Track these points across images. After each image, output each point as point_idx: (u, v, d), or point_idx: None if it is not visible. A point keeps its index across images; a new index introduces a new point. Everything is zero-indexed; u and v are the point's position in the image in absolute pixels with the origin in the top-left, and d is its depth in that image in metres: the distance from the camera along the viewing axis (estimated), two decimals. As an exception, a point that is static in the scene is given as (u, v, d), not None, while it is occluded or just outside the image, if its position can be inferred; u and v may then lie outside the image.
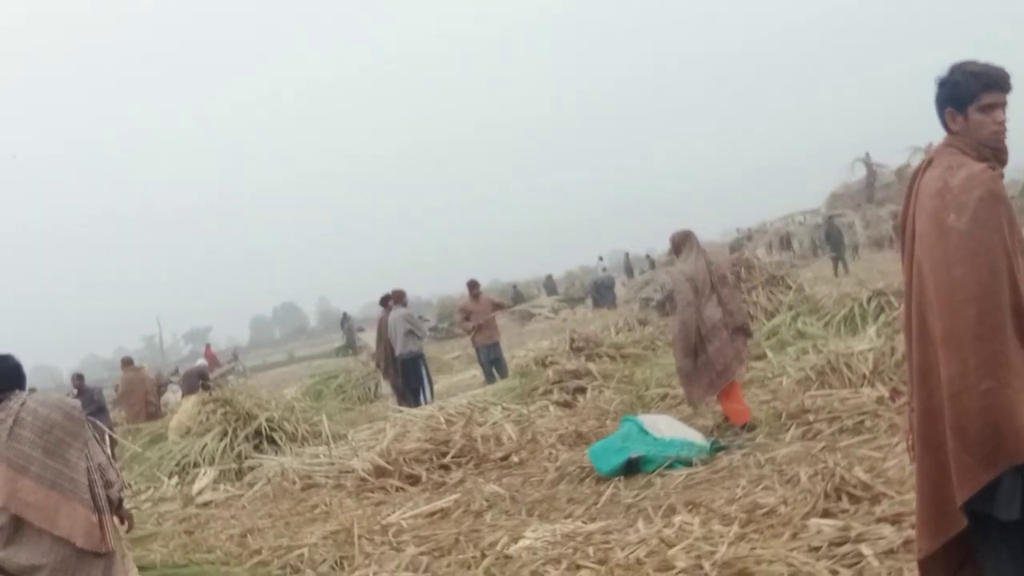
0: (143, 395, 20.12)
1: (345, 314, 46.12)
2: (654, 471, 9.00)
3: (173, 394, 26.99)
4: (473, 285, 17.82)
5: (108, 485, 5.92)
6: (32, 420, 5.76)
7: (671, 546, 6.42)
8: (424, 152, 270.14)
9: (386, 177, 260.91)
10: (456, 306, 30.23)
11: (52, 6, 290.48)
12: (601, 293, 39.90)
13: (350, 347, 42.64)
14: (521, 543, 7.42)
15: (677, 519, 7.04)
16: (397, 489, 10.63)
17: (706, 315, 10.25)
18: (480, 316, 17.40)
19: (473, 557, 7.42)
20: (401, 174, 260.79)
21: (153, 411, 19.95)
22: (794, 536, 6.25)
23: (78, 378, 19.78)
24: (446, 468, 10.92)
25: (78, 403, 6.33)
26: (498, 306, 19.24)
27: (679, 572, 6.00)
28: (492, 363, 17.52)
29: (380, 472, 11.07)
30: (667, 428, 9.84)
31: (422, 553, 7.81)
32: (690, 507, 7.52)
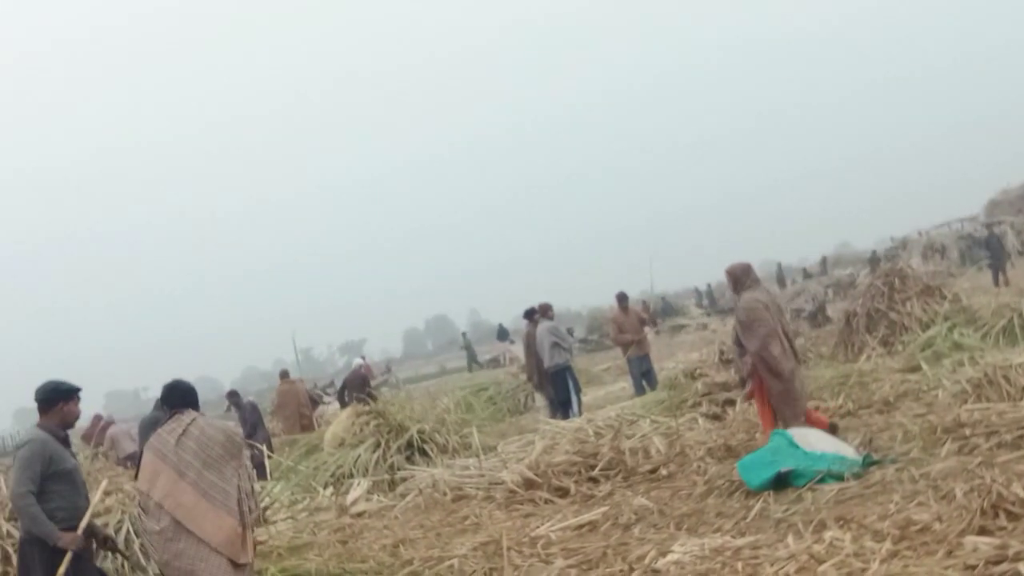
0: (296, 407, 20.64)
1: (464, 334, 46.47)
2: (804, 485, 8.87)
3: (328, 405, 27.63)
4: (622, 298, 17.83)
5: (251, 509, 6.59)
6: (198, 435, 6.52)
7: (821, 562, 6.33)
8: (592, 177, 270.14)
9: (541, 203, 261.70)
10: (605, 318, 30.23)
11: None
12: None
13: (472, 362, 43.12)
14: (669, 557, 7.40)
15: (828, 535, 6.93)
16: (546, 501, 10.69)
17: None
18: (630, 328, 17.39)
19: (621, 570, 7.43)
20: (565, 199, 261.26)
21: (306, 423, 20.45)
22: (949, 554, 6.09)
23: (232, 395, 20.40)
24: (594, 481, 10.94)
25: (240, 431, 6.97)
26: (645, 321, 19.22)
27: (829, 589, 5.93)
28: (643, 375, 17.49)
29: (529, 484, 11.16)
30: (818, 442, 9.70)
31: (570, 566, 7.86)
32: (841, 523, 7.40)
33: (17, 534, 11.21)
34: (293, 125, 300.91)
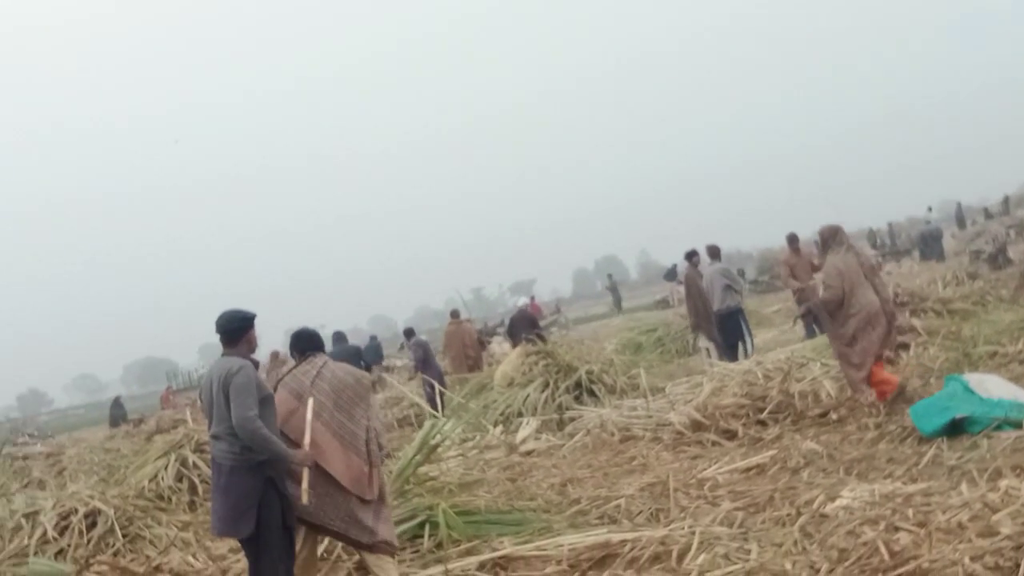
0: (461, 348, 20.93)
1: (610, 276, 46.17)
2: (980, 433, 8.63)
3: (499, 345, 27.95)
4: (793, 239, 17.48)
5: (379, 448, 6.98)
6: (330, 377, 6.99)
7: (996, 511, 6.17)
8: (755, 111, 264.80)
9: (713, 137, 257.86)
10: (776, 259, 29.76)
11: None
12: (928, 245, 38.12)
13: (617, 305, 42.95)
14: (838, 502, 7.34)
15: (1003, 483, 6.74)
16: (713, 444, 10.70)
17: (863, 303, 10.50)
18: (801, 271, 17.07)
19: (788, 515, 7.41)
20: (730, 134, 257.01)
21: (471, 364, 20.73)
22: None
23: (409, 333, 20.89)
24: (763, 424, 10.88)
25: (367, 374, 7.34)
26: (816, 267, 18.75)
27: (1003, 538, 5.78)
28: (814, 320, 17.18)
29: (697, 426, 11.17)
30: (996, 388, 9.42)
31: (737, 508, 7.87)
32: (1017, 471, 7.21)
33: (204, 466, 11.86)
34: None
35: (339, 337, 17.68)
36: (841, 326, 10.61)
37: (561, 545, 7.36)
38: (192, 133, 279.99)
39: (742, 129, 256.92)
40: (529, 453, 12.31)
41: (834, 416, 10.64)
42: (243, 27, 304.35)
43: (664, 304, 40.39)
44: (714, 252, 17.18)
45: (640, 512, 8.33)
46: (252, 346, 6.94)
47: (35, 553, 10.07)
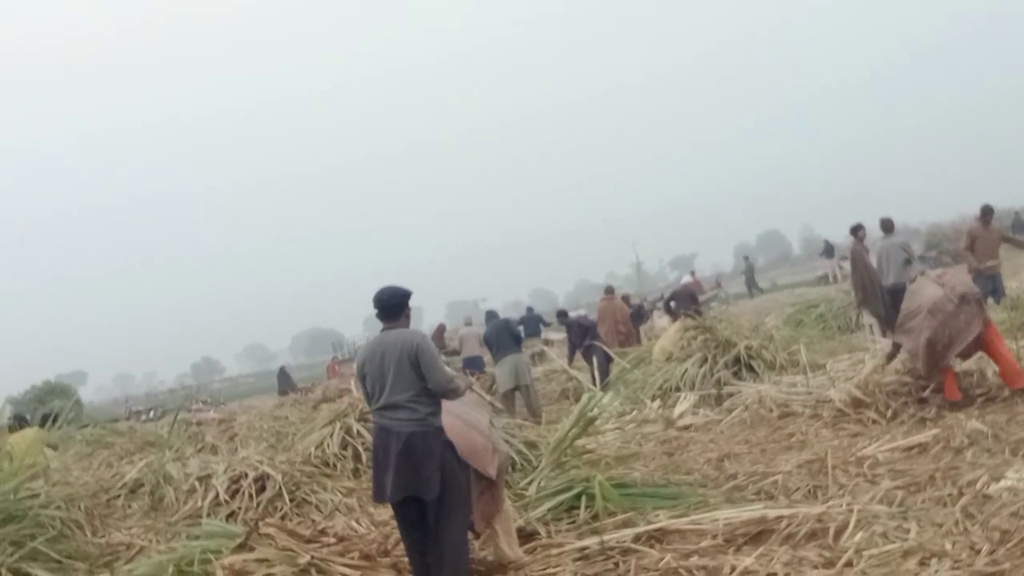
0: (613, 323, 20.95)
1: (746, 258, 45.14)
2: None
3: (658, 319, 27.92)
4: (987, 211, 16.76)
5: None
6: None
7: None
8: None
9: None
10: (959, 231, 28.85)
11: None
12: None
13: (752, 287, 42.18)
14: (1002, 483, 7.19)
15: None
16: (873, 422, 10.51)
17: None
18: (984, 246, 16.39)
19: (950, 495, 7.28)
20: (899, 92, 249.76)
21: (623, 339, 20.74)
22: None
23: (561, 315, 21.03)
24: (925, 402, 10.65)
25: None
26: (1008, 239, 17.95)
27: None
28: (990, 293, 16.58)
29: (857, 404, 10.99)
30: None
31: (896, 487, 7.75)
32: None
33: (368, 435, 12.20)
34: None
35: (491, 315, 17.92)
36: None
37: (716, 520, 7.36)
38: (367, 108, 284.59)
39: (916, 83, 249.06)
40: (686, 428, 12.31)
41: (1000, 395, 10.37)
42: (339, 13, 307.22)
43: (825, 280, 39.62)
44: (887, 226, 16.71)
45: (797, 489, 8.28)
46: (410, 320, 7.17)
47: (208, 515, 10.54)
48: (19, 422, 13.29)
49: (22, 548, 9.94)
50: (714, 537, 7.06)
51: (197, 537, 8.54)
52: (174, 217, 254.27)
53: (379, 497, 6.95)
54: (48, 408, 23.62)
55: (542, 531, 7.97)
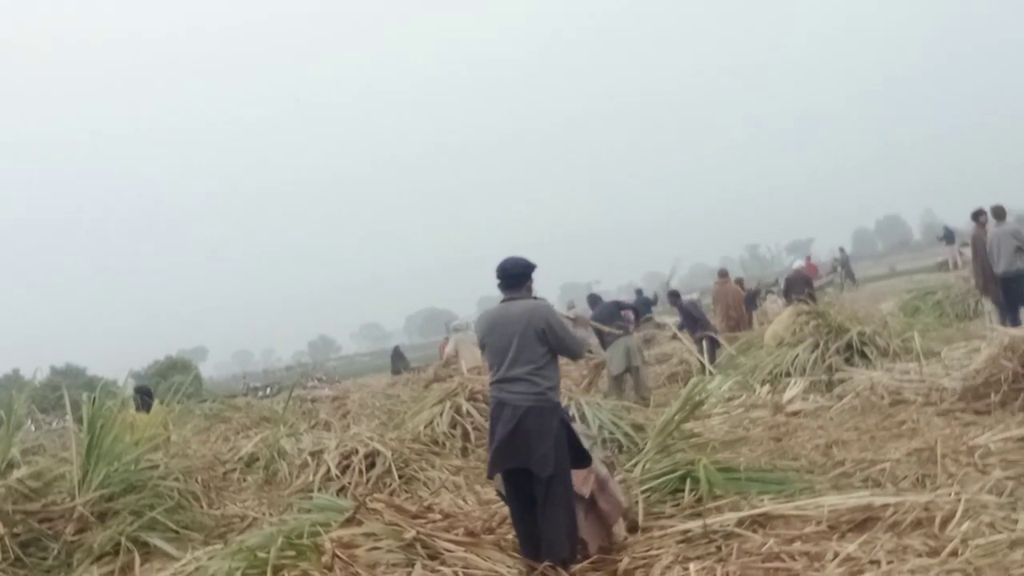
0: (724, 308, 20.82)
1: (841, 249, 44.20)
2: None
3: (772, 303, 27.63)
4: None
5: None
6: None
7: None
8: None
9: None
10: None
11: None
12: None
13: (847, 279, 41.33)
14: (1117, 475, 7.03)
15: None
16: (987, 411, 10.31)
17: None
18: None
19: (1062, 486, 7.14)
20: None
21: (734, 323, 20.60)
22: None
23: (673, 295, 20.94)
24: (1043, 392, 10.40)
25: None
26: None
27: None
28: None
29: (971, 392, 10.79)
30: None
31: (1008, 478, 7.61)
32: None
33: (477, 414, 12.35)
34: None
35: (594, 298, 17.93)
36: None
37: (822, 506, 7.30)
38: (474, 93, 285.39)
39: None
40: (795, 413, 12.21)
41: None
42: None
43: (944, 267, 38.73)
44: (999, 213, 16.40)
45: (905, 477, 8.18)
46: (531, 292, 7.24)
47: (319, 489, 10.79)
48: (144, 395, 13.71)
49: (141, 518, 10.29)
50: (818, 523, 7.01)
51: (308, 510, 8.75)
52: (293, 204, 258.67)
53: (493, 471, 7.06)
54: (169, 382, 24.31)
55: (647, 512, 8.01)
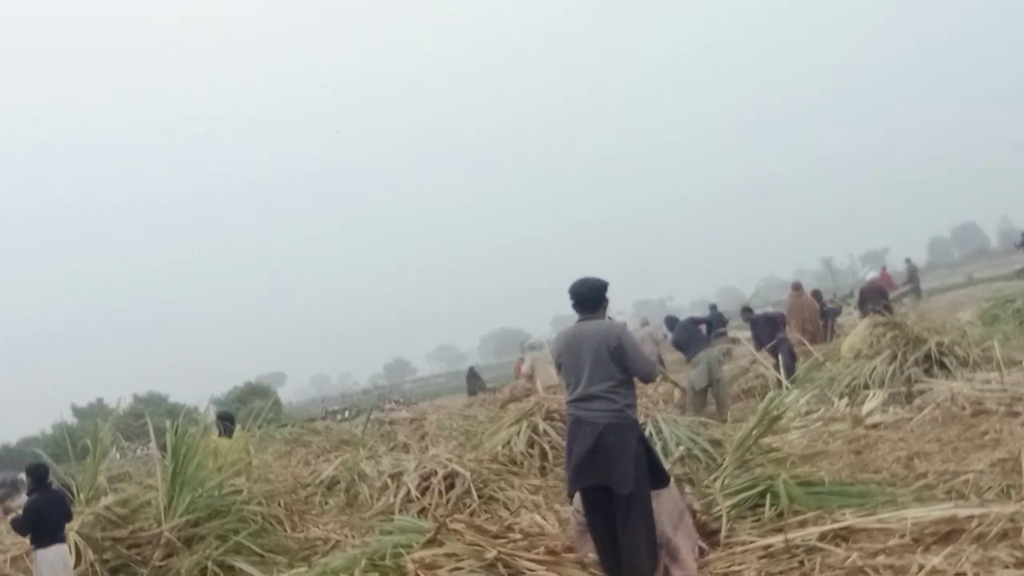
0: (800, 320, 20.69)
1: (908, 260, 43.33)
2: None
3: (847, 316, 27.34)
4: None
5: None
6: None
7: None
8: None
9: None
10: None
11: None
12: None
13: (915, 293, 40.58)
14: None
15: None
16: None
17: None
18: None
19: None
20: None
21: (810, 336, 20.44)
22: None
23: (746, 311, 20.81)
24: None
25: None
26: None
27: None
28: None
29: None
30: None
31: (1095, 487, 7.52)
32: None
33: (554, 433, 12.39)
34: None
35: (672, 320, 17.95)
36: None
37: (905, 519, 7.24)
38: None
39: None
40: (875, 426, 12.09)
41: None
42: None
43: (1023, 274, 38.01)
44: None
45: (989, 488, 8.09)
46: (605, 312, 7.30)
47: (400, 511, 10.90)
48: (225, 421, 13.94)
49: (227, 542, 10.48)
50: (902, 536, 6.96)
51: (390, 532, 8.84)
52: (370, 230, 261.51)
53: (573, 489, 7.10)
54: (249, 408, 24.64)
55: (728, 528, 8.00)
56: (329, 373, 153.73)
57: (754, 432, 9.63)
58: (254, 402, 33.37)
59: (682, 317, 18.15)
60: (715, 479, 9.22)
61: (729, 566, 7.14)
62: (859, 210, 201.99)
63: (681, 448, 11.16)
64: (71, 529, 9.94)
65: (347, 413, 35.70)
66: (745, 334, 22.29)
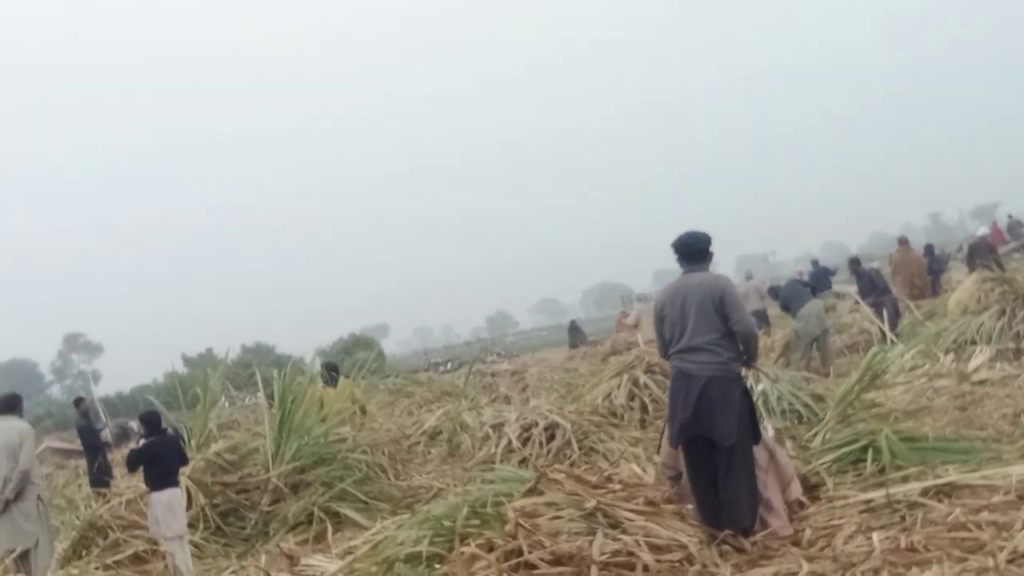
0: (907, 276, 20.34)
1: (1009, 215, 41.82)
2: None
3: (955, 271, 26.84)
4: None
5: None
6: None
7: None
8: None
9: None
10: None
11: None
12: None
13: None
14: None
15: None
16: None
17: None
18: None
19: None
20: None
21: (916, 292, 20.10)
22: None
23: (853, 262, 20.53)
24: None
25: None
26: None
27: None
28: None
29: None
30: None
31: None
32: None
33: (655, 386, 12.42)
34: None
35: (774, 289, 17.86)
36: None
37: (1009, 475, 7.15)
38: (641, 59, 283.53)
39: None
40: (981, 382, 11.91)
41: None
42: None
43: None
44: None
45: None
46: (709, 265, 7.30)
47: (501, 460, 11.05)
48: (331, 371, 14.22)
49: (332, 489, 10.73)
50: (1006, 493, 6.87)
51: (491, 481, 8.97)
52: (471, 179, 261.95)
53: (676, 441, 7.13)
54: (354, 359, 25.05)
55: (829, 482, 7.98)
56: (432, 325, 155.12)
57: (856, 387, 9.55)
58: (358, 353, 33.92)
59: (785, 273, 18.00)
60: (816, 434, 9.19)
61: (829, 520, 7.12)
62: (970, 164, 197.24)
63: (782, 403, 11.11)
64: (183, 474, 10.24)
65: (449, 365, 36.12)
66: (852, 288, 22.03)
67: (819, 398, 11.19)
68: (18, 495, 9.22)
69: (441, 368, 34.93)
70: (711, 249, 7.24)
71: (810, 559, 6.08)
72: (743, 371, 7.17)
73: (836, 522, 7.04)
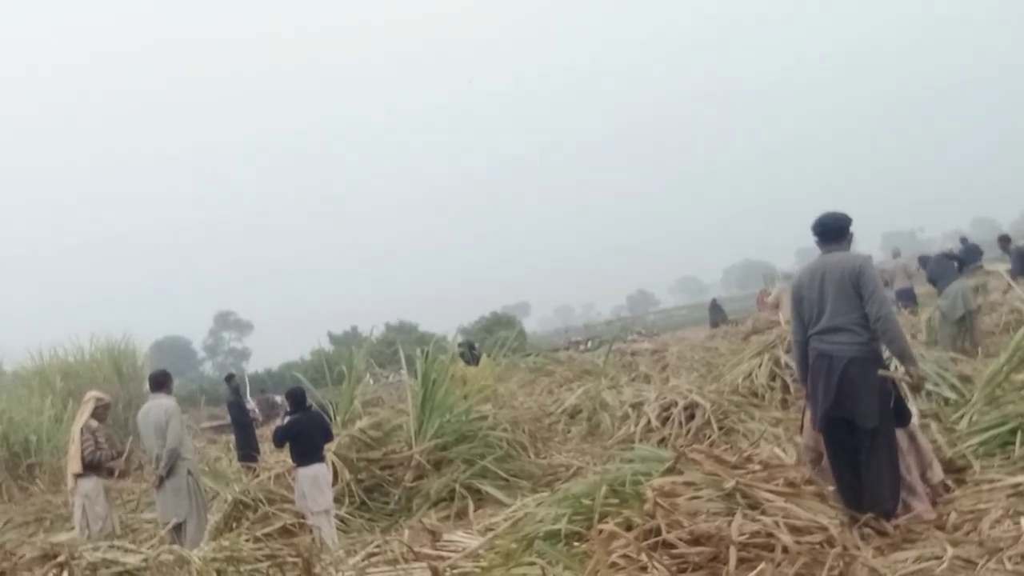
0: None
1: None
2: None
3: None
4: None
5: None
6: None
7: None
8: None
9: None
10: None
11: None
12: None
13: None
14: None
15: None
16: None
17: None
18: None
19: None
20: None
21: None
22: None
23: (1004, 240, 19.94)
24: None
25: None
26: None
27: None
28: None
29: None
30: None
31: None
32: None
33: (794, 364, 12.26)
34: None
35: (924, 259, 17.50)
36: None
37: None
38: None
39: None
40: None
41: None
42: None
43: None
44: None
45: None
46: (850, 245, 7.22)
47: (640, 440, 11.08)
48: (471, 349, 14.42)
49: (473, 466, 10.90)
50: None
51: (630, 460, 8.99)
52: (614, 159, 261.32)
53: (819, 422, 7.07)
54: (495, 337, 25.30)
55: (975, 465, 7.81)
56: (573, 304, 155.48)
57: (1006, 368, 9.31)
58: (499, 332, 34.20)
59: (933, 249, 17.61)
60: (963, 416, 8.99)
61: (975, 503, 6.99)
62: None
63: (928, 384, 10.88)
64: (329, 450, 10.52)
65: (590, 343, 36.14)
66: (1004, 266, 21.40)
67: (966, 379, 10.92)
68: (169, 471, 9.66)
69: (581, 347, 34.95)
70: (850, 229, 7.16)
71: (955, 543, 5.99)
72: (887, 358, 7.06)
73: (983, 506, 6.91)
